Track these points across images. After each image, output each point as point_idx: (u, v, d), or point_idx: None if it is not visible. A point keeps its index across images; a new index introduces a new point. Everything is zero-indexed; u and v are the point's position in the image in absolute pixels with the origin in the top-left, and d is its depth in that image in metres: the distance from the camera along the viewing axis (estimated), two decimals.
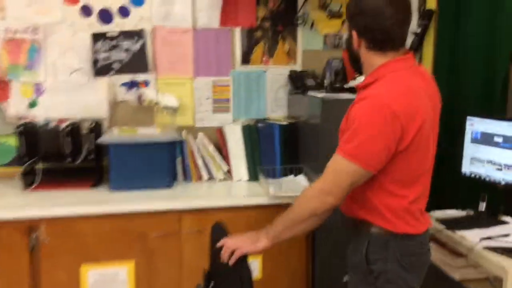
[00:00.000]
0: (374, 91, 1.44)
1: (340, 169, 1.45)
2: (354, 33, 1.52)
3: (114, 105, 2.57)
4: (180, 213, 2.13)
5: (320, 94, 2.26)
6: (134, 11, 2.54)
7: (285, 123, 2.54)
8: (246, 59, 2.69)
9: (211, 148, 2.51)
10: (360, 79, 2.37)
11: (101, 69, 2.53)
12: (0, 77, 2.42)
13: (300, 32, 2.73)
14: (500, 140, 2.06)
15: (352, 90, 2.43)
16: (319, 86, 2.55)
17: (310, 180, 2.34)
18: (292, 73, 2.65)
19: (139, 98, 2.55)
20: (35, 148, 2.32)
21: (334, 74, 2.56)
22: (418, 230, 1.53)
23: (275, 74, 2.74)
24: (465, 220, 2.10)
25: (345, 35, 2.73)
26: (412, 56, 1.58)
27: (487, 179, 2.13)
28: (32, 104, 2.47)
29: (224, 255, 1.53)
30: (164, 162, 2.31)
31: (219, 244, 1.56)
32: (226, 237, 1.58)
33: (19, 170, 2.33)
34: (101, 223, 2.06)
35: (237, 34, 2.66)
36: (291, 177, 2.47)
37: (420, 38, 2.79)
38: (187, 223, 2.13)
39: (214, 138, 2.60)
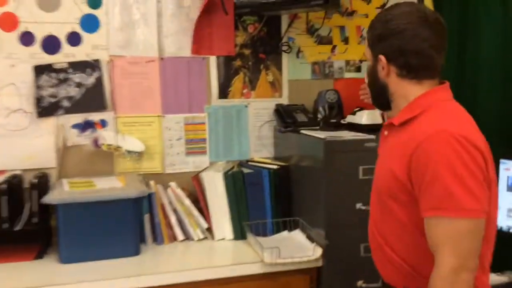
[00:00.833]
0: (434, 125, 1.13)
1: (458, 232, 1.09)
2: (382, 59, 1.23)
3: (64, 151, 2.09)
4: None
5: (320, 134, 1.87)
6: (87, 38, 2.09)
7: (275, 167, 2.12)
8: (223, 92, 2.29)
9: (186, 201, 2.06)
10: (363, 114, 2.03)
11: (46, 109, 2.06)
12: None
13: (285, 60, 2.36)
14: None
15: (351, 126, 2.07)
16: (312, 122, 2.17)
17: (309, 236, 1.93)
18: (279, 107, 2.26)
19: (95, 142, 2.09)
20: None
21: (329, 107, 2.20)
22: None
23: (258, 109, 2.34)
24: None
25: (365, 64, 2.40)
26: (449, 87, 1.27)
27: None
28: None
29: None
30: (128, 223, 1.84)
31: None
32: None
33: None
34: None
35: (213, 63, 2.26)
36: (285, 233, 2.04)
37: None
38: None
39: (190, 188, 2.15)
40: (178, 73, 2.22)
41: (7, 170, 2.01)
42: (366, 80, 1.38)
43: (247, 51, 2.30)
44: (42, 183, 1.93)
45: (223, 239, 2.05)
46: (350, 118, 2.15)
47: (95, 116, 2.12)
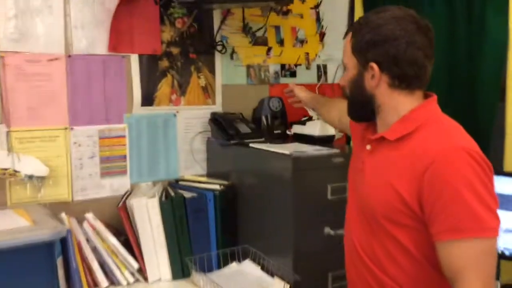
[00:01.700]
0: (445, 141, 1.03)
1: (483, 253, 0.99)
2: (375, 68, 1.09)
3: None
4: None
5: (276, 148, 1.60)
6: None
7: (217, 187, 1.79)
8: (148, 99, 1.89)
9: (109, 236, 1.63)
10: (316, 125, 1.81)
11: None
12: None
13: (219, 62, 2.04)
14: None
15: (301, 138, 1.84)
16: (256, 134, 1.89)
17: (263, 267, 1.64)
18: (217, 116, 1.94)
19: None
20: None
21: (272, 117, 1.93)
22: None
23: (188, 118, 1.99)
24: None
25: (301, 69, 2.21)
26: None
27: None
28: None
29: None
30: (39, 275, 1.36)
31: None
32: None
33: None
34: None
35: (135, 63, 1.86)
36: (233, 265, 1.72)
37: None
38: None
39: (111, 218, 1.73)
40: (91, 74, 1.78)
41: None
42: (347, 90, 1.19)
43: (175, 50, 1.94)
44: None
45: (159, 280, 1.66)
46: (298, 129, 1.91)
47: None
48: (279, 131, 1.94)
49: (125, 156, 1.87)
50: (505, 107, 1.73)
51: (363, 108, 1.16)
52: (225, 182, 1.83)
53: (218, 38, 2.01)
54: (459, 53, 1.87)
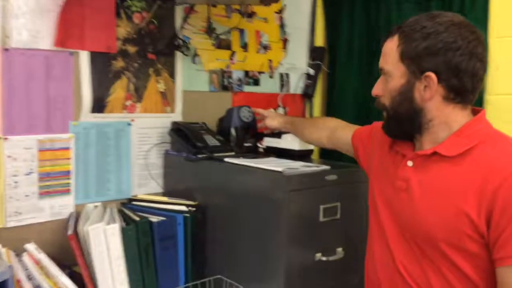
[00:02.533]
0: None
1: None
2: (433, 78, 0.97)
3: None
4: None
5: (269, 165, 1.41)
6: None
7: (183, 208, 1.55)
8: (99, 104, 1.61)
9: (56, 271, 1.32)
10: (294, 138, 1.65)
11: None
12: None
13: (180, 65, 1.81)
14: None
15: (276, 152, 1.68)
16: (225, 147, 1.68)
17: None
18: (180, 126, 1.70)
19: None
20: None
21: (242, 128, 1.75)
22: None
23: (144, 128, 1.73)
24: None
25: (264, 77, 2.05)
26: None
27: None
28: None
29: None
30: None
31: None
32: None
33: None
34: None
35: (85, 62, 1.57)
36: None
37: (315, 82, 2.22)
38: None
39: (54, 247, 1.42)
40: (32, 73, 1.46)
41: None
42: (387, 101, 1.04)
43: (132, 49, 1.67)
44: None
45: None
46: (271, 142, 1.74)
47: None
48: (249, 144, 1.75)
49: (69, 172, 1.57)
50: None
51: (408, 122, 1.03)
52: (191, 202, 1.60)
53: (180, 38, 1.78)
54: None
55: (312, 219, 1.38)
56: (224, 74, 1.94)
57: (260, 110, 1.76)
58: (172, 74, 1.78)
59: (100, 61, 1.59)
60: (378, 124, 1.31)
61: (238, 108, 1.75)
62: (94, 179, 1.62)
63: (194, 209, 1.54)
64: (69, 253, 1.38)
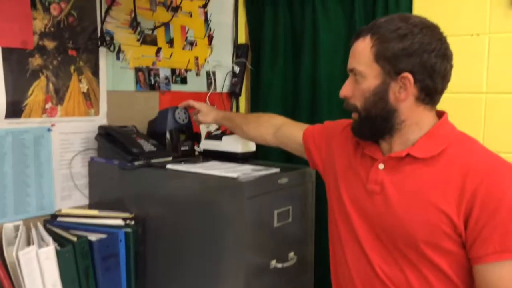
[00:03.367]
0: (489, 158, 0.97)
1: None
2: (409, 78, 0.97)
3: None
4: None
5: (218, 171, 1.32)
6: None
7: (119, 222, 1.41)
8: (15, 108, 1.39)
9: None
10: (236, 140, 1.59)
11: None
12: None
13: (103, 62, 1.64)
14: None
15: (217, 155, 1.62)
16: (162, 152, 1.57)
17: None
18: (109, 130, 1.54)
19: None
20: None
21: (177, 131, 1.65)
22: None
23: (67, 133, 1.54)
24: None
25: (191, 75, 1.93)
26: None
27: None
28: None
29: None
30: None
31: None
32: None
33: None
34: None
35: None
36: None
37: (241, 80, 2.17)
38: None
39: None
40: None
41: None
42: (359, 103, 1.03)
43: (50, 44, 1.47)
44: None
45: None
46: (210, 145, 1.65)
47: None
48: (186, 148, 1.64)
49: None
50: None
51: (381, 123, 1.02)
52: (127, 215, 1.46)
53: (102, 32, 1.61)
54: None
55: (267, 225, 1.33)
56: (150, 72, 1.80)
57: (193, 103, 1.62)
58: (95, 73, 1.61)
59: (14, 59, 1.38)
60: (332, 125, 1.29)
61: (172, 110, 1.64)
62: (11, 194, 1.40)
63: (132, 222, 1.40)
64: None
